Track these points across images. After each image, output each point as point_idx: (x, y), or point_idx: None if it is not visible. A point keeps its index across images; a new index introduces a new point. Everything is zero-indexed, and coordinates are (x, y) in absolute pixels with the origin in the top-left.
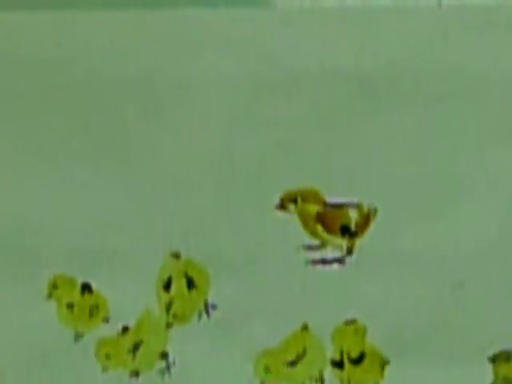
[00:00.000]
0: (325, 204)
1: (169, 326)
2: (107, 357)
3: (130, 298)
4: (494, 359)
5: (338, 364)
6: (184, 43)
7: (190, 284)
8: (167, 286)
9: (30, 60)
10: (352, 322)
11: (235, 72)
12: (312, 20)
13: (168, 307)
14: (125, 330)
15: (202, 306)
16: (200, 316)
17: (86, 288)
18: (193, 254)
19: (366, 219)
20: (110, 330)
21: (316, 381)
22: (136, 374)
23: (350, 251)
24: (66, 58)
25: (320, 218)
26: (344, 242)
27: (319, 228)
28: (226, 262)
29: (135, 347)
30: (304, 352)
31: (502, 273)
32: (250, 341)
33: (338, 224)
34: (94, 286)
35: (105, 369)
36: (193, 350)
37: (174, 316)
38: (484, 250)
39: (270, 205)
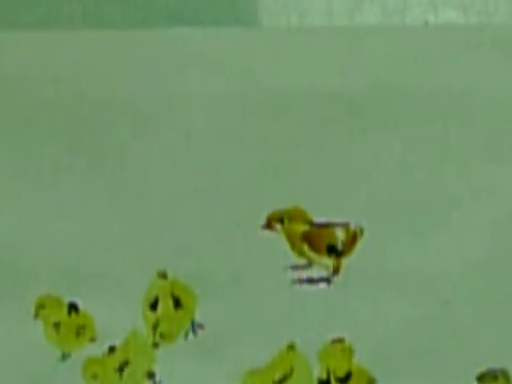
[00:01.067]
0: (311, 223)
1: (155, 345)
2: (94, 376)
3: (117, 317)
4: (481, 378)
5: (325, 383)
6: (171, 62)
7: (177, 304)
8: (154, 306)
9: (17, 79)
10: (339, 341)
11: (222, 91)
12: (299, 39)
13: (155, 327)
14: (111, 349)
15: (188, 326)
16: (187, 336)
17: (73, 308)
18: (180, 273)
19: (352, 239)
20: (96, 350)
21: None
22: None
23: (336, 271)
24: (53, 77)
25: (306, 238)
26: (330, 262)
27: (306, 247)
28: (213, 282)
29: (122, 367)
30: (291, 371)
31: (489, 291)
32: (236, 360)
33: (325, 243)
34: (81, 305)
35: None
36: (180, 369)
37: (161, 336)
38: (471, 269)
39: (256, 224)
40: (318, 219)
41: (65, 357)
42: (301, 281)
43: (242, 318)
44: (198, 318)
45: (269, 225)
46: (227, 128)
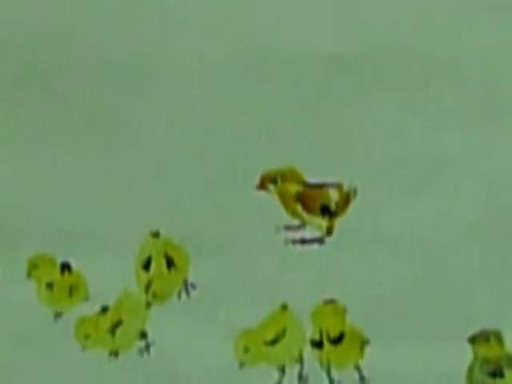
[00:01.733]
0: (305, 184)
1: (148, 305)
2: (86, 336)
3: (110, 277)
4: (473, 339)
5: (318, 344)
6: (167, 26)
7: (170, 264)
8: (147, 266)
9: (8, 40)
10: (332, 301)
11: (217, 54)
12: (294, 2)
13: (147, 287)
14: (104, 309)
15: (181, 286)
16: (179, 295)
17: (66, 267)
18: (173, 233)
19: (346, 199)
20: (89, 310)
21: (295, 360)
22: (115, 353)
23: (329, 231)
24: (46, 38)
25: (300, 198)
26: (324, 222)
27: (299, 208)
28: (206, 242)
29: (114, 327)
30: (283, 332)
31: (484, 253)
32: (229, 320)
33: (318, 204)
34: (73, 265)
35: (84, 348)
36: (172, 329)
37: (154, 295)
38: (464, 230)
39: (250, 185)
40: (311, 180)
41: (57, 316)
42: (294, 241)
43: (235, 278)
44: (190, 277)
45: (262, 185)
46: (221, 89)
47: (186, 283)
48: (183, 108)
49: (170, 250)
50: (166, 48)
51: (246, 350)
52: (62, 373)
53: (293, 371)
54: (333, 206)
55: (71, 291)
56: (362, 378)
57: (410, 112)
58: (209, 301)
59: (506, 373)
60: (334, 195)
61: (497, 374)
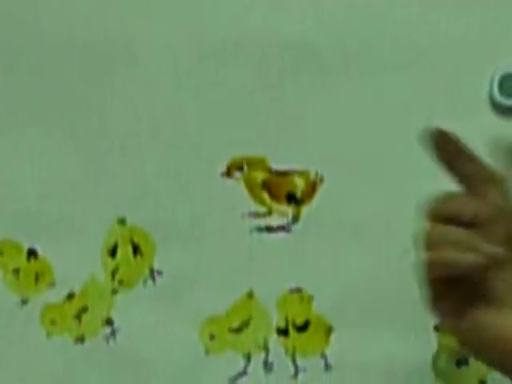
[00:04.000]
0: (271, 172)
1: (114, 292)
2: (52, 322)
3: (76, 263)
4: (438, 328)
5: (283, 331)
6: (131, 8)
7: (136, 250)
8: (113, 253)
9: None
10: (297, 289)
11: (182, 38)
12: None
13: (113, 273)
14: (70, 296)
15: (147, 273)
16: (145, 283)
17: (32, 253)
18: (139, 220)
19: (312, 187)
20: (55, 296)
21: (261, 348)
22: (81, 339)
23: (295, 219)
24: (10, 17)
25: (266, 186)
26: (290, 210)
27: (265, 195)
28: (172, 229)
29: (80, 313)
30: (249, 319)
31: None
32: (195, 308)
33: (284, 191)
34: (39, 251)
35: (50, 334)
36: (138, 316)
37: (120, 282)
38: None
39: (216, 172)
40: (278, 167)
41: (24, 303)
42: (260, 229)
43: (201, 265)
44: (157, 265)
45: (229, 172)
46: (187, 76)
47: (152, 270)
48: (148, 93)
49: (136, 236)
50: (132, 32)
51: (212, 337)
52: (28, 359)
53: (258, 359)
54: (299, 194)
55: (37, 278)
56: (327, 365)
57: (375, 100)
58: (175, 288)
59: (471, 362)
60: (300, 183)
61: (462, 362)
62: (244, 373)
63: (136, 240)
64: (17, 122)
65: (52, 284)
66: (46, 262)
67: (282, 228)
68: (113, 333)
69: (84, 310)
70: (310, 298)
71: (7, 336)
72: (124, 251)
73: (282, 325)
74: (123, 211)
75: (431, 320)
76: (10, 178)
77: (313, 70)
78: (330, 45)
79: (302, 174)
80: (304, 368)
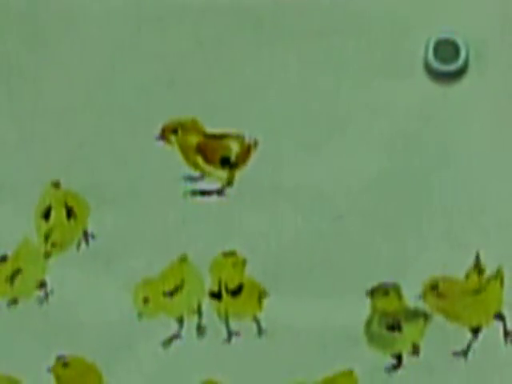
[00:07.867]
0: (205, 135)
1: (47, 255)
2: None
3: (9, 226)
4: (372, 293)
5: (216, 295)
6: None
7: (70, 213)
8: (46, 216)
9: None
10: (231, 253)
11: (119, 4)
12: None
13: (47, 236)
14: (3, 258)
15: (81, 236)
16: (79, 246)
17: None
18: (73, 184)
19: (246, 151)
20: None
21: (194, 312)
22: (14, 301)
23: (229, 183)
24: None
25: (201, 149)
26: (224, 174)
27: (199, 159)
28: (106, 193)
29: (13, 276)
30: (182, 283)
31: (382, 208)
32: (128, 271)
33: (218, 155)
34: None
35: None
36: (71, 279)
37: (53, 245)
38: (364, 185)
39: (151, 136)
40: (212, 130)
41: None
42: (194, 192)
43: (135, 229)
44: (90, 228)
45: (163, 136)
46: (122, 40)
47: (85, 233)
48: (85, 59)
49: (70, 199)
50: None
51: (146, 300)
52: None
53: (191, 322)
54: (233, 158)
55: None
56: (259, 329)
57: (310, 65)
58: (108, 251)
59: (404, 326)
60: (234, 147)
61: (395, 327)
62: (177, 336)
63: (70, 203)
64: None
65: None
66: None
67: (216, 192)
68: (46, 295)
69: (17, 272)
70: (244, 262)
71: None
72: (58, 214)
73: (215, 288)
74: (57, 174)
75: (364, 285)
76: None
77: (248, 32)
78: (265, 7)
79: (236, 137)
80: (237, 332)
